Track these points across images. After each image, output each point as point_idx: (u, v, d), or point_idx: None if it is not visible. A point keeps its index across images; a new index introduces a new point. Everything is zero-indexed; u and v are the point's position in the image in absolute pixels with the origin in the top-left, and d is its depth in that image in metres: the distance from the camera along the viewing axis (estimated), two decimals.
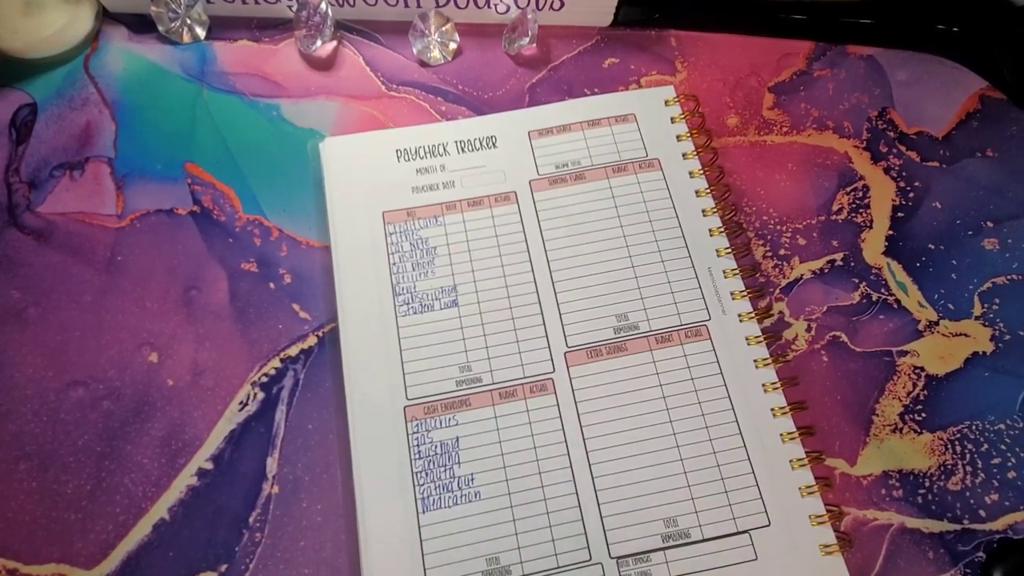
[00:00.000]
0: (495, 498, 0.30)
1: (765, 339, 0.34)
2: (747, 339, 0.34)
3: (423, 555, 0.29)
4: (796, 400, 0.33)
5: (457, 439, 0.31)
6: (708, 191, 0.38)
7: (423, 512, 0.30)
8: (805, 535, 0.31)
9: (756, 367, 0.34)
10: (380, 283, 0.34)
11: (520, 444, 0.31)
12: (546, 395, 0.32)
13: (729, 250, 0.36)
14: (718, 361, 0.34)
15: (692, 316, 0.35)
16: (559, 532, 0.30)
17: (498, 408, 0.32)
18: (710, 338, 0.34)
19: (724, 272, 0.36)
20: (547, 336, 0.34)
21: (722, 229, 0.37)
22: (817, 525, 0.31)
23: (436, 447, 0.31)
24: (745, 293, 0.35)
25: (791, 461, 0.32)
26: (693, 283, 0.35)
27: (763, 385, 0.33)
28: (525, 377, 0.33)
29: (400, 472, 0.31)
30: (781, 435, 0.32)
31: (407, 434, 0.31)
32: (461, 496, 0.30)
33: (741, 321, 0.35)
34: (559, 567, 0.30)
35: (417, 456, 0.31)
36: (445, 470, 0.31)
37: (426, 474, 0.31)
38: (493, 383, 0.32)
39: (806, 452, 0.32)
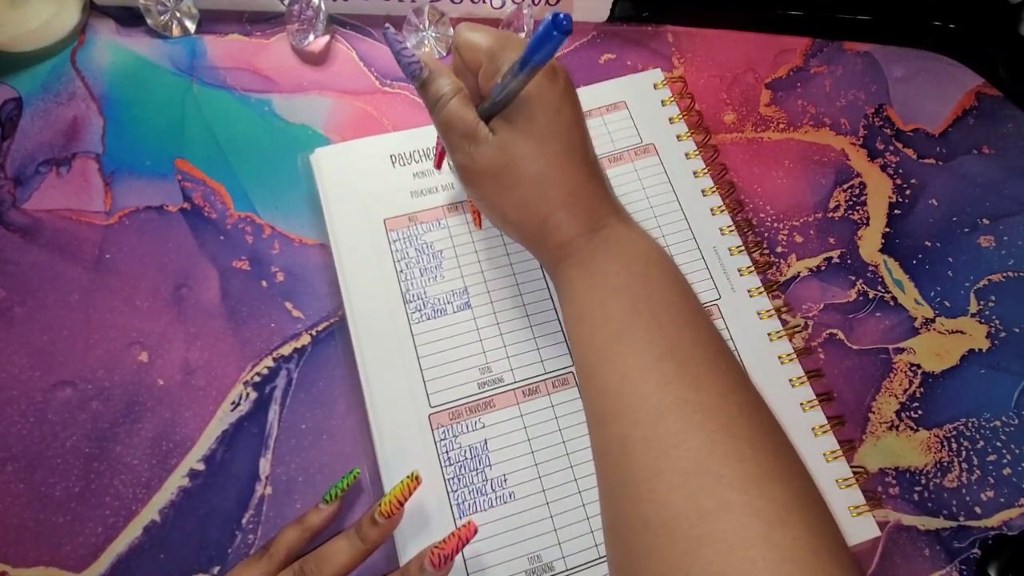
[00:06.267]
0: (530, 496, 0.30)
1: (777, 312, 0.35)
2: (759, 314, 0.34)
3: (464, 560, 0.29)
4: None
5: (486, 441, 0.31)
6: (705, 171, 0.38)
7: (459, 518, 0.30)
8: (832, 498, 0.31)
9: (771, 340, 0.34)
10: (389, 292, 0.33)
11: (549, 440, 0.31)
12: (569, 388, 0.32)
13: (732, 228, 0.36)
14: (732, 339, 0.34)
15: (703, 296, 0.35)
16: (597, 523, 0.30)
17: (523, 406, 0.32)
18: (722, 316, 0.34)
19: (730, 250, 0.36)
20: (563, 330, 0.33)
21: (723, 208, 0.37)
22: (845, 488, 0.31)
23: (466, 452, 0.31)
24: (752, 269, 0.35)
25: (813, 429, 0.32)
26: (700, 264, 0.35)
27: (779, 357, 0.34)
28: (546, 373, 0.33)
29: (432, 481, 0.30)
30: (801, 404, 0.33)
31: (435, 442, 0.31)
32: (496, 498, 0.30)
33: (751, 296, 0.35)
34: (601, 557, 0.29)
35: (448, 463, 0.31)
36: (477, 474, 0.30)
37: (459, 480, 0.30)
38: (515, 382, 0.32)
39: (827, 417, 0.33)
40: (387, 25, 0.28)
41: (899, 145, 0.41)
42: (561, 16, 0.22)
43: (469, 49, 0.28)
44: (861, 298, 0.37)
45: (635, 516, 0.22)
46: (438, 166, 0.36)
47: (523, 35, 0.40)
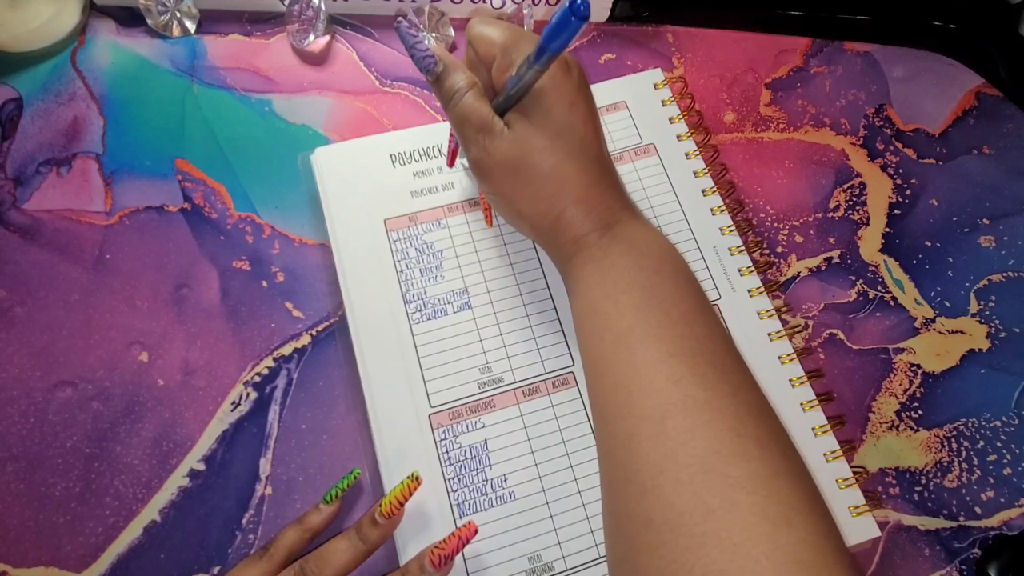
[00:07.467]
0: (530, 496, 0.30)
1: (777, 312, 0.35)
2: (759, 314, 0.34)
3: (464, 560, 0.29)
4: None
5: (486, 441, 0.31)
6: (705, 171, 0.38)
7: (459, 517, 0.30)
8: (832, 499, 0.31)
9: (771, 340, 0.34)
10: (390, 292, 0.33)
11: (549, 440, 0.31)
12: (569, 389, 0.32)
13: (732, 228, 0.36)
14: (732, 338, 0.34)
15: None
16: (597, 523, 0.30)
17: (523, 406, 0.32)
18: (722, 316, 0.34)
19: (730, 250, 0.36)
20: (563, 330, 0.33)
21: (723, 208, 0.37)
22: (845, 488, 0.31)
23: (466, 452, 0.31)
24: (752, 269, 0.35)
25: (813, 429, 0.32)
26: (700, 264, 0.35)
27: (779, 357, 0.34)
28: (546, 373, 0.33)
29: (432, 481, 0.30)
30: (801, 404, 0.33)
31: (435, 442, 0.31)
32: (496, 498, 0.30)
33: (751, 296, 0.35)
34: (600, 557, 0.29)
35: (448, 463, 0.31)
36: (477, 474, 0.30)
37: (459, 480, 0.30)
38: (515, 382, 0.32)
39: (828, 419, 0.33)
40: (400, 19, 0.28)
41: (899, 145, 0.41)
42: (578, 1, 0.21)
43: (483, 43, 0.28)
44: (861, 298, 0.37)
45: (639, 513, 0.22)
46: (451, 164, 0.36)
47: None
